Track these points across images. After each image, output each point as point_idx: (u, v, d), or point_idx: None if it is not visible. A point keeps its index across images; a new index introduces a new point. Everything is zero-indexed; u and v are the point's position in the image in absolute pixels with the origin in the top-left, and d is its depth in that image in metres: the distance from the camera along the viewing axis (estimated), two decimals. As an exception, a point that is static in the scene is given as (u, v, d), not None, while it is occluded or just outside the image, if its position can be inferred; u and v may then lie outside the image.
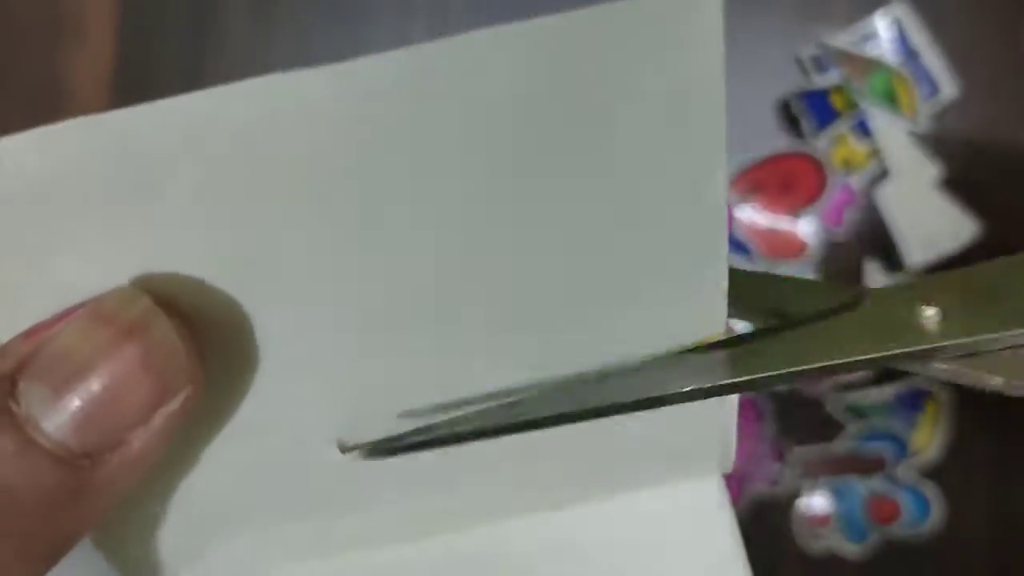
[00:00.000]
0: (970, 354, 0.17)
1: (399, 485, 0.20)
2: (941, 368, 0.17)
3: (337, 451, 0.18)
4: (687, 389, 0.17)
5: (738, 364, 0.17)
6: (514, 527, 0.21)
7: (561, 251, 0.17)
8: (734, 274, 0.17)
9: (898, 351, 0.17)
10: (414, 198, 0.16)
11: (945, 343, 0.17)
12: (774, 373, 0.17)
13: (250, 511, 0.20)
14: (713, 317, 0.18)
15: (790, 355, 0.17)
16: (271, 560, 0.21)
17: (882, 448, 0.42)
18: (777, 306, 0.18)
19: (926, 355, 0.17)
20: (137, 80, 0.43)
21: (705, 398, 0.17)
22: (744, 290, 0.18)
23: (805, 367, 0.17)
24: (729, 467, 0.20)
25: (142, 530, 0.20)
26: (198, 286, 0.16)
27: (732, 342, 0.18)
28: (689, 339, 0.18)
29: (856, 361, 0.17)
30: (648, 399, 0.17)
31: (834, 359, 0.17)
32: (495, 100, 0.15)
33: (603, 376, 0.18)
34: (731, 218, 0.42)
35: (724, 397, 0.19)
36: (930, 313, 0.17)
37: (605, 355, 0.18)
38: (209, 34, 0.42)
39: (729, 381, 0.17)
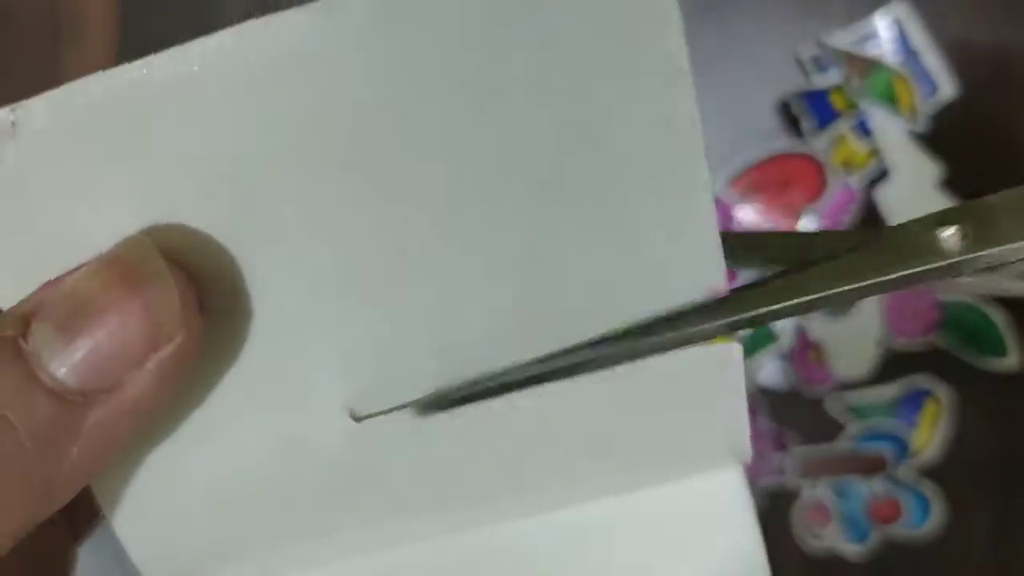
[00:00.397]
0: (993, 267, 0.18)
1: (414, 473, 0.20)
2: (967, 283, 0.18)
3: (350, 420, 0.18)
4: (709, 325, 0.17)
5: (754, 301, 0.18)
6: (532, 522, 0.21)
7: (548, 184, 0.17)
8: (757, 236, 0.17)
9: (920, 269, 0.17)
10: (398, 136, 0.16)
11: (967, 256, 0.17)
12: (800, 300, 0.18)
13: (268, 502, 0.20)
14: (709, 261, 0.18)
15: (810, 287, 0.18)
16: (293, 562, 0.21)
17: (882, 448, 0.41)
18: (803, 258, 0.19)
19: (948, 271, 0.17)
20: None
21: (726, 332, 0.18)
22: (770, 249, 0.19)
23: (827, 292, 0.17)
24: (747, 456, 0.21)
25: (167, 526, 0.20)
26: (201, 240, 0.17)
27: (750, 286, 0.18)
28: (690, 290, 0.18)
29: (880, 282, 0.17)
30: (677, 336, 0.18)
31: (856, 283, 0.18)
32: (456, 25, 0.16)
33: (617, 333, 0.18)
34: (731, 218, 0.42)
35: (732, 387, 0.19)
36: (949, 233, 0.17)
37: (607, 307, 0.18)
38: (209, 34, 0.42)
39: (749, 315, 0.18)
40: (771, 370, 0.42)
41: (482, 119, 0.16)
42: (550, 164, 0.17)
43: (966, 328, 0.41)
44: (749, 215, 0.42)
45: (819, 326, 0.42)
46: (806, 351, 0.42)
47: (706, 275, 0.18)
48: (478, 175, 0.17)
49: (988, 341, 0.41)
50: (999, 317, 0.41)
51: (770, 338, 0.42)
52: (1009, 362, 0.41)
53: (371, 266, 0.17)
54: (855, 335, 0.42)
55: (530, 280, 0.18)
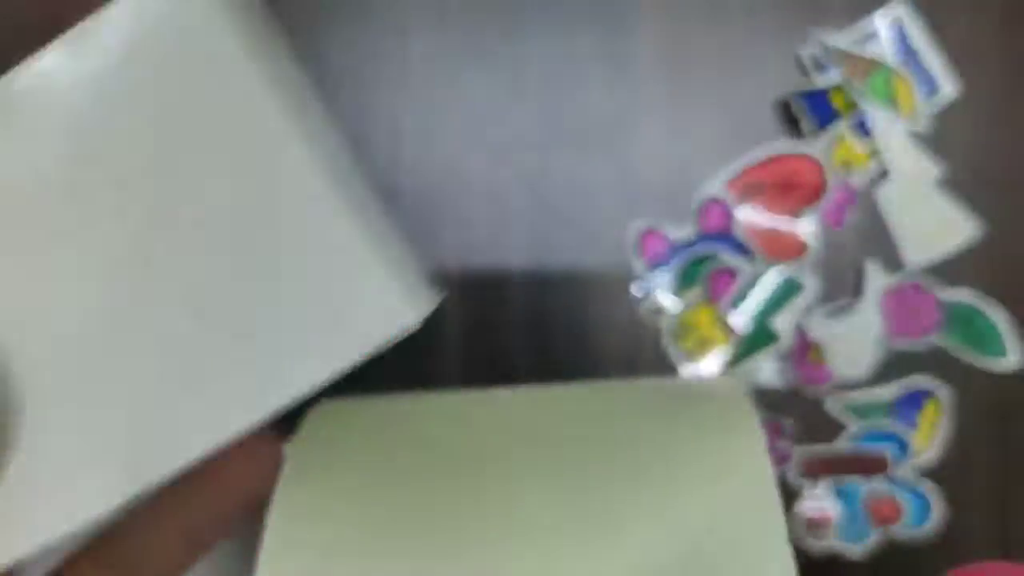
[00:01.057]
0: None
1: None
2: None
3: None
4: None
5: None
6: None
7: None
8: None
9: None
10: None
11: None
12: None
13: None
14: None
15: None
16: None
17: (882, 448, 0.41)
18: None
19: None
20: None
21: None
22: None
23: None
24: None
25: None
26: None
27: None
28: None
29: None
30: None
31: None
32: None
33: None
34: (731, 218, 0.42)
35: None
36: None
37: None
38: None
39: None
40: (771, 370, 0.42)
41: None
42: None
43: (966, 328, 0.41)
44: (749, 215, 0.42)
45: (819, 326, 0.42)
46: (806, 351, 0.42)
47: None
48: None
49: (988, 341, 0.41)
50: (999, 317, 0.41)
51: (770, 338, 0.42)
52: (1009, 362, 0.41)
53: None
54: (855, 335, 0.42)
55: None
